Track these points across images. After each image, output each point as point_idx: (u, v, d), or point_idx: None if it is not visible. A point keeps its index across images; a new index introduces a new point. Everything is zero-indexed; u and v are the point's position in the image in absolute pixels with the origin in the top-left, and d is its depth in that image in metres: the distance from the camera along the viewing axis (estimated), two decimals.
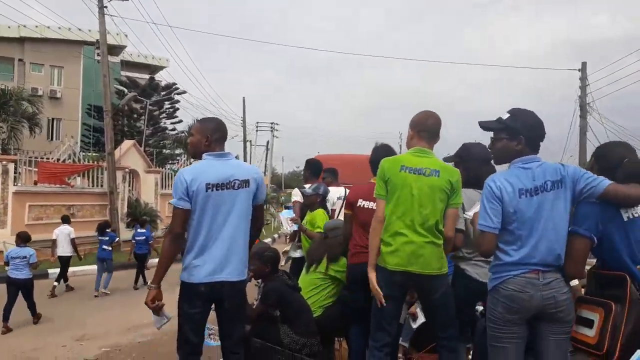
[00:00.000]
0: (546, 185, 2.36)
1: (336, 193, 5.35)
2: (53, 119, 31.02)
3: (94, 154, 19.06)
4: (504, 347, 2.40)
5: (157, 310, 2.97)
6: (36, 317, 7.28)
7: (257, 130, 44.13)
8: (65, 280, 9.96)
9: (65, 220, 10.37)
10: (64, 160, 16.01)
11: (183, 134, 27.62)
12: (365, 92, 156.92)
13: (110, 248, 9.91)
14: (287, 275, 3.87)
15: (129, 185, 18.71)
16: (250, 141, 43.05)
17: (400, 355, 3.86)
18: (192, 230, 2.90)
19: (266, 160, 44.01)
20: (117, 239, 11.18)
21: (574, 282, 3.46)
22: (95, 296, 9.42)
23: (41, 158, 15.20)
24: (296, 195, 5.48)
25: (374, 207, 3.16)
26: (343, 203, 5.18)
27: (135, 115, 28.13)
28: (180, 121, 29.43)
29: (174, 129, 29.46)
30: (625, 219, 2.32)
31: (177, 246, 2.93)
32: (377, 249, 2.95)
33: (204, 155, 2.98)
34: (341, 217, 5.23)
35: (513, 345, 2.39)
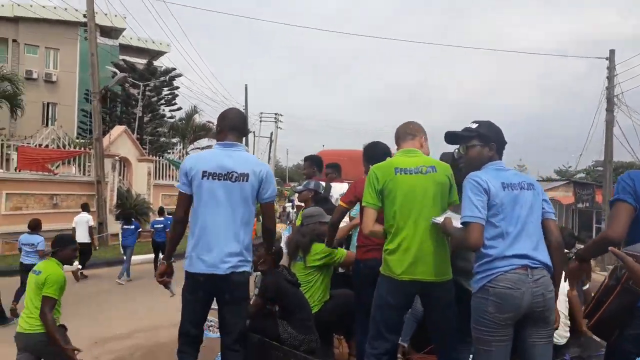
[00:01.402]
0: (523, 184, 2.51)
1: (340, 189, 5.20)
2: (48, 104, 30.05)
3: (81, 140, 17.97)
4: (491, 350, 2.39)
5: (165, 284, 3.14)
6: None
7: (260, 121, 43.20)
8: (82, 267, 10.41)
9: (85, 208, 11.26)
10: (46, 146, 14.94)
11: (181, 122, 26.53)
12: (372, 84, 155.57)
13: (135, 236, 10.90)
14: (287, 271, 3.78)
15: (120, 175, 17.71)
16: (254, 132, 42.19)
17: (399, 355, 3.80)
18: (192, 218, 2.97)
19: (269, 152, 43.04)
20: (140, 228, 11.82)
21: (563, 287, 3.40)
22: (120, 284, 10.07)
23: (21, 142, 14.11)
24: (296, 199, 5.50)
25: None
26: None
27: (133, 102, 27.11)
28: (180, 108, 28.35)
29: (172, 117, 28.35)
30: None
31: (178, 231, 3.04)
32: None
33: (213, 145, 3.07)
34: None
35: (501, 348, 2.38)
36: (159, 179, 19.49)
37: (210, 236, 2.88)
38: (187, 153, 23.22)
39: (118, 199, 16.97)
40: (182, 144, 23.53)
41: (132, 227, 10.89)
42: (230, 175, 2.88)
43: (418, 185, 2.85)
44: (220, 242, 2.87)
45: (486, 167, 2.58)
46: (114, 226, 16.09)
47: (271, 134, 42.84)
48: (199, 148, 26.30)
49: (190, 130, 24.70)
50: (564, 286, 3.39)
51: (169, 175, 20.20)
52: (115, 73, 26.74)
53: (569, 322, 3.65)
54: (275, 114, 43.03)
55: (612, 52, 17.63)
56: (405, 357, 3.99)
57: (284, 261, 4.19)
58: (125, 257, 10.47)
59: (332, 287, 4.06)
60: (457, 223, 2.59)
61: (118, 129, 18.01)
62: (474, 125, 2.66)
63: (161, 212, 12.13)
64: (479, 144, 2.62)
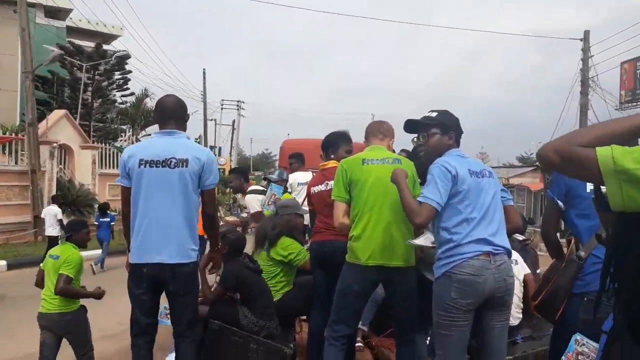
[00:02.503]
0: (485, 172, 2.60)
1: (303, 178, 5.32)
2: None
3: (14, 125, 16.24)
4: (451, 334, 2.43)
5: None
6: None
7: (222, 109, 41.72)
8: None
9: (55, 200, 11.31)
10: None
11: (131, 107, 24.73)
12: (338, 74, 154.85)
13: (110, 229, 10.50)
14: (248, 258, 3.78)
15: (60, 163, 16.10)
16: (215, 120, 40.65)
17: (359, 338, 3.91)
18: (132, 209, 2.91)
19: (232, 140, 41.59)
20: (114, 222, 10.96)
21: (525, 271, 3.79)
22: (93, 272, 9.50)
23: None
24: (254, 206, 5.17)
25: (323, 189, 3.41)
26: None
27: (80, 86, 25.15)
28: (133, 93, 26.49)
29: (124, 102, 26.46)
30: (588, 190, 2.32)
31: (125, 224, 3.00)
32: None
33: (152, 133, 2.38)
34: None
35: (460, 333, 2.43)
36: (106, 168, 17.99)
37: (151, 226, 2.82)
38: (137, 140, 21.62)
39: (58, 190, 15.43)
40: (131, 130, 21.79)
41: (108, 219, 10.49)
42: (168, 162, 2.82)
43: (383, 174, 2.89)
44: (161, 232, 2.82)
45: (449, 153, 2.61)
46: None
47: (233, 122, 41.52)
48: (149, 134, 24.69)
49: (140, 116, 22.93)
50: (518, 269, 3.61)
51: (117, 164, 18.62)
52: (61, 55, 24.82)
53: (522, 305, 3.75)
54: (238, 101, 41.70)
55: (587, 32, 17.07)
56: (365, 340, 4.07)
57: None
58: (102, 250, 10.32)
59: (296, 274, 4.09)
60: (428, 242, 2.76)
61: (57, 113, 16.44)
62: (434, 114, 2.70)
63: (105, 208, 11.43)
64: (438, 132, 2.66)
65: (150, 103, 24.56)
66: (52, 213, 10.43)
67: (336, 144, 3.67)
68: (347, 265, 2.96)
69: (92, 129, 23.54)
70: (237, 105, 41.55)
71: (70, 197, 15.75)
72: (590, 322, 2.06)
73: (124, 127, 22.24)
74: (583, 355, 2.17)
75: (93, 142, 18.24)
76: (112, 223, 10.55)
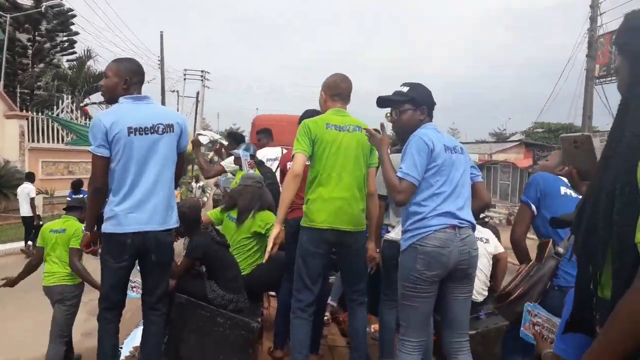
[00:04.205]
0: (457, 148, 2.60)
1: (272, 154, 5.28)
2: None
3: None
4: (416, 305, 2.45)
5: (95, 254, 2.94)
6: None
7: (185, 79, 38.47)
8: (31, 241, 9.20)
9: (29, 177, 10.01)
10: None
11: (71, 70, 21.44)
12: (308, 49, 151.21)
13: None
14: (215, 232, 3.71)
15: None
16: (177, 92, 37.38)
17: (327, 314, 3.94)
18: (116, 178, 2.72)
19: (196, 113, 38.29)
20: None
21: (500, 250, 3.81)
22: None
23: None
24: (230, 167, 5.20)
25: None
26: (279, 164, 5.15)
27: (19, 49, 21.70)
28: (80, 58, 23.01)
29: (71, 67, 22.99)
30: (562, 193, 2.53)
31: (100, 201, 2.80)
32: (288, 203, 2.93)
33: (120, 99, 2.80)
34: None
35: (424, 304, 2.45)
36: (38, 141, 14.95)
37: (142, 193, 2.69)
38: (77, 109, 18.53)
39: None
40: (71, 97, 18.61)
41: (81, 196, 8.97)
42: (156, 128, 2.75)
43: (344, 142, 2.95)
44: (157, 199, 2.73)
45: (426, 127, 2.58)
46: None
47: (197, 93, 38.20)
48: (95, 103, 21.54)
49: (83, 81, 19.73)
50: (489, 247, 3.66)
51: (52, 137, 15.63)
52: None
53: (488, 283, 3.68)
54: (202, 71, 38.54)
55: None
56: (333, 315, 4.23)
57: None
58: None
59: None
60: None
61: None
62: (405, 89, 2.67)
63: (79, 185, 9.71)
64: (410, 108, 2.63)
65: (95, 66, 21.30)
66: (25, 192, 9.44)
67: None
68: (302, 230, 2.97)
69: (31, 97, 20.28)
70: (201, 76, 38.45)
71: None
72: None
73: (62, 94, 18.91)
74: (538, 325, 2.25)
75: (23, 110, 15.13)
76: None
